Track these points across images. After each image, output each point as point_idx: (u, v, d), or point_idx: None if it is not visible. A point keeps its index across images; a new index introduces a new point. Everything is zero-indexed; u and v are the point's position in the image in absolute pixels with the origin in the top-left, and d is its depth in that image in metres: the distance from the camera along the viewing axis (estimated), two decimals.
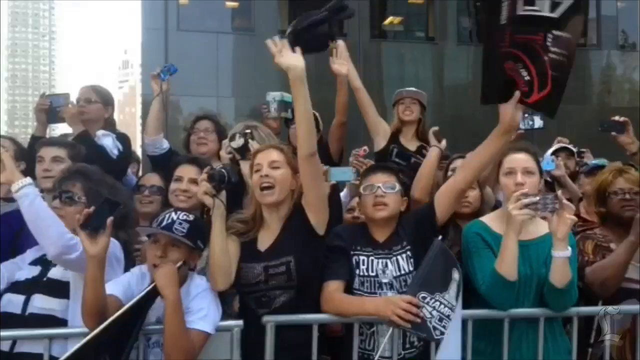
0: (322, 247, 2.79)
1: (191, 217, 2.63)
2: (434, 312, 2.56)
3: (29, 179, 2.56)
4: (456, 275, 2.66)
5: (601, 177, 3.37)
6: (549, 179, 4.11)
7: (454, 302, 2.62)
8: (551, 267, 2.71)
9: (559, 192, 2.74)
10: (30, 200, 2.51)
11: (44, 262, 2.71)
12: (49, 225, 2.52)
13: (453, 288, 2.63)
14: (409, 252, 2.80)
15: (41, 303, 2.61)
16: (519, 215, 2.64)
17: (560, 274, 2.69)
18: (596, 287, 3.02)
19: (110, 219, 2.36)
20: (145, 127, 3.98)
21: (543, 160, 4.02)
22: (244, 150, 3.21)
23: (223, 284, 2.67)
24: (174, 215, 2.59)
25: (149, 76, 4.12)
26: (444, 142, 3.70)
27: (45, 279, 2.68)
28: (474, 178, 2.88)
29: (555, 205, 2.63)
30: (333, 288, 2.74)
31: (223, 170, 2.69)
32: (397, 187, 2.87)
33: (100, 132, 3.85)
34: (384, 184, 2.84)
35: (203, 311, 2.51)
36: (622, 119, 3.56)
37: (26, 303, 2.61)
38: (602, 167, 3.91)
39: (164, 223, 2.57)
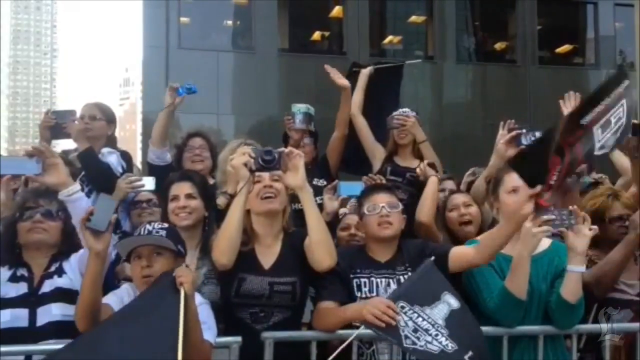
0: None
1: (166, 225, 2.67)
2: (409, 322, 2.52)
3: (78, 184, 2.95)
4: (451, 300, 2.59)
5: (597, 200, 3.31)
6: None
7: (440, 322, 2.55)
8: (564, 282, 2.71)
9: (574, 207, 2.72)
10: (86, 203, 2.86)
11: (26, 279, 2.77)
12: None
13: (442, 309, 2.57)
14: (410, 274, 2.79)
15: (63, 311, 2.71)
16: (538, 233, 2.63)
17: (574, 288, 2.70)
18: (592, 286, 3.01)
19: (113, 216, 2.47)
20: (151, 136, 4.02)
21: None
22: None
23: (229, 260, 2.68)
24: (149, 227, 2.63)
25: (150, 93, 4.18)
26: (439, 171, 3.70)
27: (48, 291, 2.74)
28: (491, 258, 2.77)
29: (571, 220, 2.64)
30: (325, 305, 2.74)
31: (275, 153, 2.65)
32: (400, 206, 2.90)
33: (105, 150, 3.89)
34: (388, 203, 2.86)
35: (205, 324, 2.51)
36: None
37: (33, 315, 2.68)
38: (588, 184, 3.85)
39: (143, 234, 2.61)
